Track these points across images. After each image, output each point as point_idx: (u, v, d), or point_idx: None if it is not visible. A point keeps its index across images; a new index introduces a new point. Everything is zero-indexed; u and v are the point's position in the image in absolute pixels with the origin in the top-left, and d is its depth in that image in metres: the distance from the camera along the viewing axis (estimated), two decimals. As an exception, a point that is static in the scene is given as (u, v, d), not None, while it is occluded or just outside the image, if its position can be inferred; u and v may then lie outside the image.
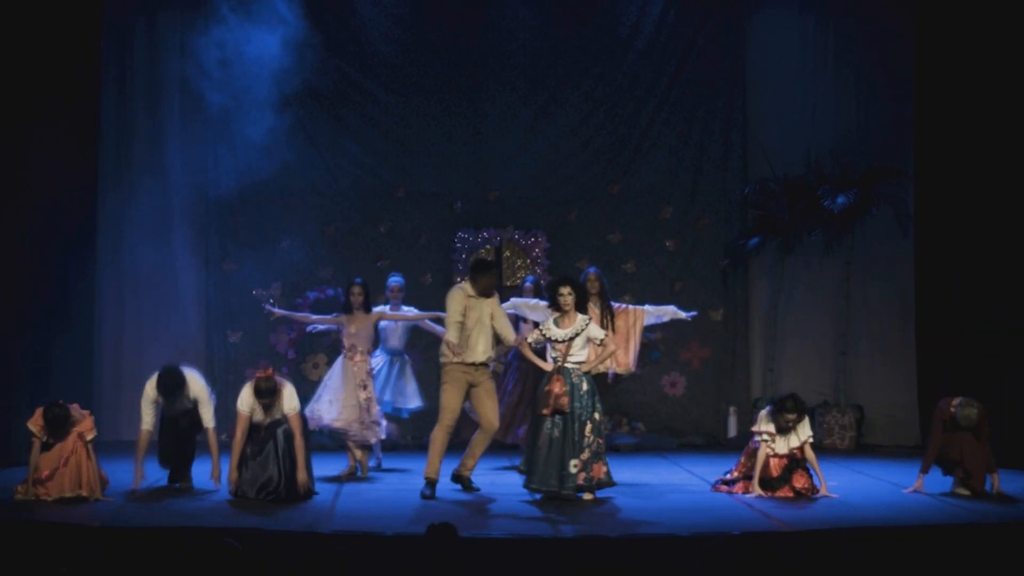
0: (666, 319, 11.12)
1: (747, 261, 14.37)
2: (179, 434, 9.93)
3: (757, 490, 9.83)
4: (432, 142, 14.47)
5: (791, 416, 9.78)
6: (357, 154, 14.44)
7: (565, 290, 9.59)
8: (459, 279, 14.11)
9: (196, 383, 9.91)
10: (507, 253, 14.45)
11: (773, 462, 9.89)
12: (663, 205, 14.56)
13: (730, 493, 9.97)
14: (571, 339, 9.52)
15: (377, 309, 11.30)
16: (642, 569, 7.47)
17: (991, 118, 12.92)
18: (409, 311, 11.53)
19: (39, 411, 9.26)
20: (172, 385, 9.74)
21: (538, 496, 9.50)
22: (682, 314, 11.03)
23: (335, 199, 14.38)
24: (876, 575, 7.43)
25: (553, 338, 9.57)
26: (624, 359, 10.77)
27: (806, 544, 7.85)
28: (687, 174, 14.55)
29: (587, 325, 9.58)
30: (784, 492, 9.80)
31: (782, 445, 9.88)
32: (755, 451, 9.99)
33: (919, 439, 13.39)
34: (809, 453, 9.92)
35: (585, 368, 9.57)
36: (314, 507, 9.19)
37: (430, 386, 11.64)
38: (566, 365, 9.51)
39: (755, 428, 10.11)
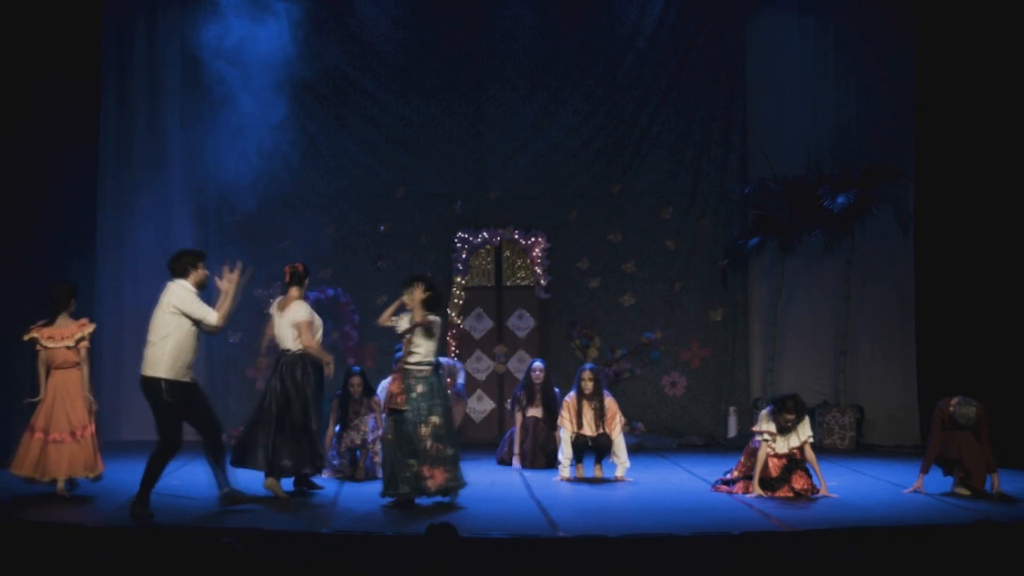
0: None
1: (747, 261, 14.37)
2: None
3: (757, 490, 9.83)
4: (432, 142, 14.48)
5: (791, 416, 9.78)
6: (357, 154, 14.45)
7: (414, 285, 9.32)
8: (459, 279, 14.18)
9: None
10: (507, 253, 14.46)
11: (772, 462, 9.90)
12: (663, 205, 14.57)
13: (730, 493, 9.97)
14: (409, 334, 9.25)
15: (379, 394, 10.98)
16: (642, 569, 7.48)
17: (991, 118, 12.93)
18: None
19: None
20: None
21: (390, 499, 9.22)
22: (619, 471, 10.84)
23: (335, 199, 14.39)
24: (876, 575, 7.43)
25: (398, 331, 9.37)
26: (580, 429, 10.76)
27: (806, 544, 7.85)
28: (687, 174, 14.56)
29: (425, 319, 9.24)
30: (784, 492, 9.80)
31: (782, 445, 9.89)
32: (755, 451, 9.99)
33: (919, 439, 13.39)
34: (809, 453, 9.93)
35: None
36: (314, 507, 9.19)
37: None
38: (405, 365, 9.29)
39: (755, 428, 10.11)
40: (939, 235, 13.67)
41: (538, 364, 11.87)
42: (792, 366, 14.45)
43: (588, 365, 11.09)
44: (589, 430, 10.70)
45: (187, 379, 8.83)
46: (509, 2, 14.49)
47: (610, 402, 10.83)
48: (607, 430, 10.72)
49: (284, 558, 7.36)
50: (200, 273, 9.01)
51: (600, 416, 10.72)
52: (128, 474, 10.48)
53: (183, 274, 8.95)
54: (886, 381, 14.38)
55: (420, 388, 9.22)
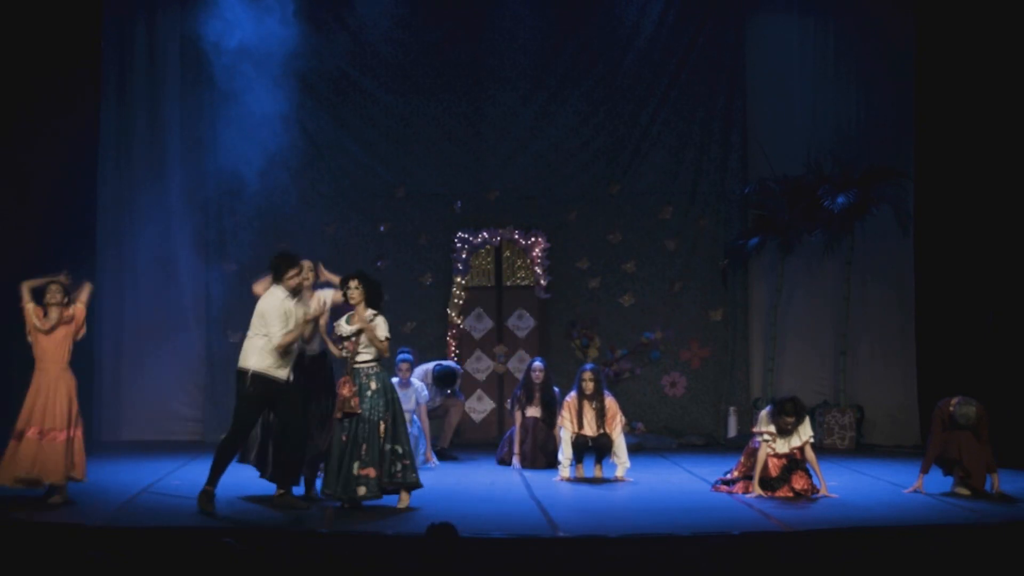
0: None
1: (747, 261, 14.37)
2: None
3: (757, 490, 9.83)
4: (432, 142, 14.48)
5: (790, 419, 9.79)
6: (357, 154, 14.45)
7: (352, 283, 9.17)
8: (459, 279, 14.18)
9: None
10: (507, 253, 14.46)
11: (772, 462, 9.89)
12: (663, 205, 14.56)
13: (730, 493, 9.97)
14: (356, 335, 9.13)
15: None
16: (642, 569, 7.48)
17: (991, 118, 12.94)
18: (421, 393, 11.67)
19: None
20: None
21: (336, 503, 9.10)
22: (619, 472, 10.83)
23: (335, 199, 14.39)
24: (876, 575, 7.43)
25: (340, 334, 9.19)
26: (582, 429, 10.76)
27: (806, 544, 7.85)
28: (687, 174, 14.56)
29: (373, 319, 9.09)
30: (784, 492, 9.80)
31: (783, 445, 9.89)
32: (755, 451, 9.99)
33: (919, 439, 13.39)
34: (809, 453, 9.93)
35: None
36: (314, 507, 9.18)
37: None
38: (355, 365, 9.10)
39: (755, 428, 10.12)
40: (939, 235, 13.67)
41: (538, 364, 11.87)
42: (792, 366, 14.45)
43: (588, 365, 11.09)
44: (590, 430, 10.71)
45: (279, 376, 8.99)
46: (509, 2, 14.49)
47: (611, 402, 10.82)
48: (607, 430, 10.72)
49: (284, 558, 7.35)
50: (292, 280, 9.09)
51: (601, 416, 10.72)
52: (128, 474, 10.50)
53: (278, 279, 9.11)
54: (886, 381, 14.37)
55: (373, 385, 9.08)
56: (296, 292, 9.15)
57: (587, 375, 10.81)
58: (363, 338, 9.09)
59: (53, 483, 9.14)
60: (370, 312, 9.13)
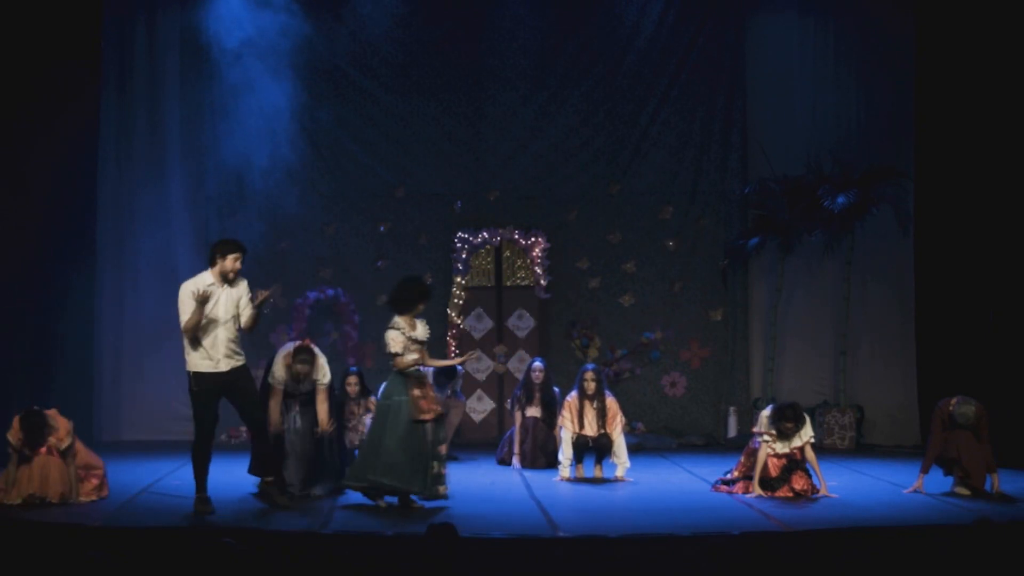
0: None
1: (747, 261, 14.37)
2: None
3: (757, 490, 9.83)
4: (432, 142, 14.48)
5: (790, 425, 9.81)
6: (357, 154, 14.45)
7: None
8: (459, 279, 14.18)
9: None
10: (507, 253, 14.46)
11: (772, 462, 9.90)
12: (663, 205, 14.56)
13: (730, 493, 9.97)
14: (425, 341, 9.32)
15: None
16: (642, 569, 7.48)
17: (991, 118, 12.93)
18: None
19: (16, 420, 9.15)
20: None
21: (394, 500, 9.20)
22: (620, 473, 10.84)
23: (335, 199, 14.39)
24: (876, 575, 7.43)
25: (416, 339, 9.26)
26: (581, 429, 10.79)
27: (806, 544, 7.85)
28: (687, 174, 14.56)
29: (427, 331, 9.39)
30: (784, 492, 9.81)
31: (783, 446, 9.89)
32: (755, 451, 9.99)
33: (919, 439, 13.39)
34: (810, 453, 9.93)
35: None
36: (314, 507, 9.19)
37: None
38: (418, 372, 9.31)
39: (755, 429, 10.12)
40: (939, 235, 13.67)
41: (538, 364, 11.86)
42: (792, 366, 14.45)
43: (590, 365, 11.09)
44: (590, 430, 10.71)
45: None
46: (509, 2, 14.49)
47: (611, 402, 10.83)
48: (608, 431, 10.72)
49: (284, 558, 7.35)
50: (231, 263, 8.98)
51: (602, 416, 10.73)
52: (128, 474, 10.50)
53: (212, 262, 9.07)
54: (886, 381, 14.37)
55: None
56: (226, 278, 8.99)
57: (589, 375, 10.81)
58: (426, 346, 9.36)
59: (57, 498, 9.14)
60: (421, 321, 9.38)
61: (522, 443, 11.65)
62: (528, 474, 11.18)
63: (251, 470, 9.73)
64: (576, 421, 10.71)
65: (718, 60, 14.52)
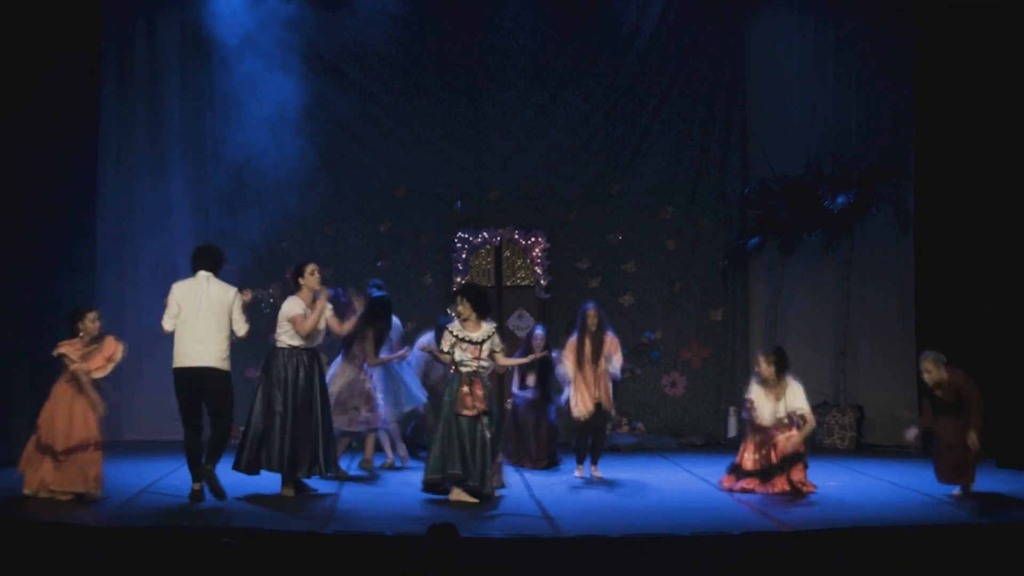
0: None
1: (747, 261, 14.37)
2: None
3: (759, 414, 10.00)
4: (432, 142, 14.48)
5: (769, 368, 9.94)
6: (357, 154, 14.44)
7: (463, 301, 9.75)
8: (459, 279, 14.17)
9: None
10: (507, 253, 14.46)
11: (774, 451, 9.99)
12: (663, 205, 14.56)
13: (738, 490, 10.00)
14: (483, 342, 9.64)
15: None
16: (642, 569, 7.48)
17: (991, 118, 12.94)
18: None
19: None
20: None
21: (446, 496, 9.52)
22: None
23: (335, 199, 14.39)
24: (876, 575, 7.43)
25: (469, 339, 9.64)
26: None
27: (806, 544, 7.85)
28: (687, 174, 14.56)
29: (493, 334, 9.73)
30: (781, 485, 9.85)
31: (767, 411, 9.99)
32: (756, 427, 10.13)
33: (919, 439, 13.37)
34: (804, 426, 9.99)
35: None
36: (314, 507, 9.19)
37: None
38: (479, 368, 9.63)
39: (746, 396, 10.30)
40: (939, 235, 13.67)
41: (539, 331, 11.75)
42: (792, 366, 14.40)
43: (591, 303, 11.13)
44: (586, 387, 10.71)
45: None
46: (509, 2, 14.49)
47: (611, 338, 10.92)
48: (604, 364, 10.77)
49: (284, 558, 7.36)
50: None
51: (599, 349, 10.77)
52: (127, 474, 10.50)
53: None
54: (886, 381, 14.37)
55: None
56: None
57: (591, 312, 10.91)
58: (486, 346, 9.65)
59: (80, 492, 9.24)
60: (486, 323, 9.76)
61: (506, 436, 11.59)
62: (528, 474, 11.18)
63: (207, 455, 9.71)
64: (574, 359, 10.79)
65: (718, 60, 14.52)
